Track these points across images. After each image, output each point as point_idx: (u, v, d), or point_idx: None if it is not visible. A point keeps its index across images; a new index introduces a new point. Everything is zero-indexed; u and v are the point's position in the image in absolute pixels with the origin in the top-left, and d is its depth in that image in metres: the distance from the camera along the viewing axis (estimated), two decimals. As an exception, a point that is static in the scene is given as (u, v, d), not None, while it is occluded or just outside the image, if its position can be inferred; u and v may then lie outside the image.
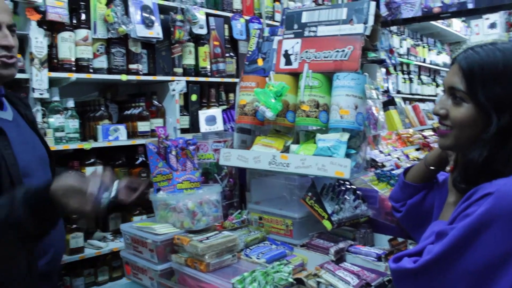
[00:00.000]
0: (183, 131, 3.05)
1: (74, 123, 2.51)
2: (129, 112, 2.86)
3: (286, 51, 1.81)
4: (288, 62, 1.80)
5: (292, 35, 1.83)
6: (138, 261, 1.65)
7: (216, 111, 1.99)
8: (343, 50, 1.66)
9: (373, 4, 1.67)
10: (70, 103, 2.52)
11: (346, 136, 1.60)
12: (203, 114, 1.97)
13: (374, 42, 1.77)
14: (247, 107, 1.83)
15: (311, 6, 1.97)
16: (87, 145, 2.54)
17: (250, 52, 2.00)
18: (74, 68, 2.48)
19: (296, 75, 1.77)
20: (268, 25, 3.55)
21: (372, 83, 1.68)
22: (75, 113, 2.54)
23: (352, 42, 1.66)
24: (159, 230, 1.61)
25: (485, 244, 0.98)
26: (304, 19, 1.81)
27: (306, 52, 1.75)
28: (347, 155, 1.57)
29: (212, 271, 1.47)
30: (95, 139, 2.65)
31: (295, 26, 1.83)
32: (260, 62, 1.95)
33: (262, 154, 1.72)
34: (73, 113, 2.52)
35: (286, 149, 1.74)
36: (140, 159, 2.82)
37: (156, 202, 1.71)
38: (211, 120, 1.96)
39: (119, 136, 2.69)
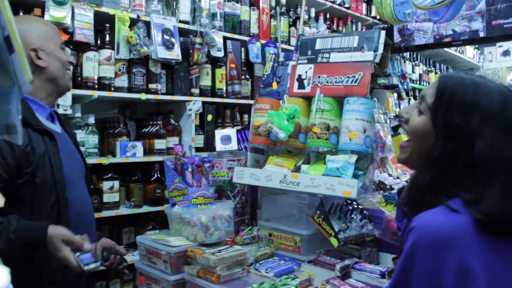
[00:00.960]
0: (198, 149, 3.14)
1: (94, 139, 2.62)
2: (146, 129, 2.97)
3: (299, 75, 1.90)
4: (301, 86, 1.89)
5: (306, 61, 1.92)
6: (151, 272, 1.72)
7: (231, 131, 2.08)
8: (354, 76, 1.75)
9: (383, 33, 1.76)
10: (91, 120, 2.63)
11: (354, 157, 1.67)
12: (218, 133, 2.07)
13: (384, 69, 1.86)
14: (261, 128, 1.92)
15: (324, 33, 2.06)
16: (106, 160, 2.65)
17: (265, 76, 2.10)
18: (96, 86, 2.60)
19: (308, 98, 1.86)
20: (283, 49, 3.66)
21: (380, 107, 1.76)
22: (95, 129, 2.65)
23: (362, 68, 1.75)
24: (173, 242, 1.69)
25: (417, 275, 1.00)
26: (317, 46, 1.91)
27: (319, 77, 1.84)
28: (355, 176, 1.65)
29: (223, 283, 1.54)
30: (113, 155, 2.75)
31: (309, 52, 1.93)
32: (274, 86, 2.05)
33: (274, 173, 1.81)
34: (93, 129, 2.63)
35: (297, 169, 1.82)
36: (155, 176, 2.91)
37: (171, 215, 1.80)
38: (226, 139, 2.05)
39: (136, 152, 2.79)
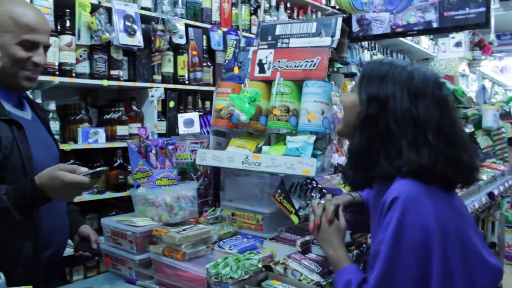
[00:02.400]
0: (160, 136, 3.16)
1: (55, 125, 2.60)
2: (108, 116, 2.97)
3: (260, 60, 1.96)
4: (262, 71, 1.95)
5: (266, 46, 1.98)
6: (117, 253, 1.75)
7: (193, 115, 2.12)
8: (312, 61, 1.83)
9: (339, 20, 1.85)
10: (52, 106, 2.61)
11: (312, 138, 1.75)
12: (181, 117, 2.10)
13: (341, 54, 1.94)
14: (223, 111, 1.97)
15: (284, 20, 2.13)
16: (67, 147, 2.64)
17: (227, 61, 2.15)
18: (57, 72, 2.58)
19: (269, 82, 1.92)
20: (244, 37, 3.71)
21: (337, 91, 1.84)
22: (56, 116, 2.63)
23: (320, 53, 1.82)
24: (139, 223, 1.72)
25: (409, 242, 1.15)
26: (277, 32, 1.97)
27: (279, 61, 1.91)
28: (314, 156, 1.73)
29: (188, 260, 1.59)
30: (75, 141, 2.74)
31: (269, 38, 1.99)
32: (236, 70, 2.10)
33: (236, 154, 1.86)
34: (54, 115, 2.61)
35: (258, 150, 1.88)
36: (118, 162, 2.92)
37: (136, 197, 1.82)
38: (189, 123, 2.09)
39: (98, 139, 2.79)
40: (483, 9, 4.10)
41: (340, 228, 1.46)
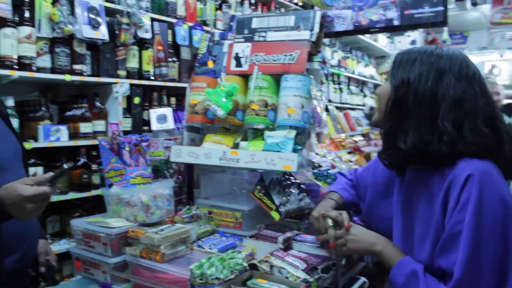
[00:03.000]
0: (125, 133, 3.05)
1: (14, 123, 2.44)
2: (71, 113, 2.83)
3: (237, 54, 1.91)
4: (239, 64, 1.90)
5: (243, 39, 1.94)
6: (90, 256, 1.66)
7: (167, 110, 2.05)
8: (291, 54, 1.80)
9: (318, 13, 1.82)
10: (10, 102, 2.46)
11: (293, 133, 1.72)
12: (154, 112, 2.02)
13: (318, 48, 1.92)
14: (198, 106, 1.91)
15: (259, 14, 2.08)
16: (28, 145, 2.49)
17: (200, 55, 2.08)
18: (16, 66, 2.43)
19: (245, 76, 1.88)
20: (208, 32, 3.64)
21: (316, 85, 1.82)
22: (15, 112, 2.48)
23: (299, 47, 1.79)
24: (113, 224, 1.64)
25: (490, 219, 1.13)
26: (254, 25, 1.93)
27: (256, 55, 1.87)
28: (294, 151, 1.70)
29: (167, 261, 1.52)
30: (35, 140, 2.59)
31: (246, 31, 1.94)
32: (210, 64, 2.04)
33: (213, 151, 1.81)
34: (12, 112, 2.46)
35: (235, 146, 1.84)
36: (82, 161, 2.79)
37: (109, 197, 1.74)
38: (162, 118, 2.02)
39: (60, 136, 2.65)
40: (441, 8, 4.22)
41: (361, 227, 1.45)
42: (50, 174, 1.38)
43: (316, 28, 1.81)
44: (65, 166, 1.42)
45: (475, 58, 9.24)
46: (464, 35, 8.81)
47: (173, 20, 3.41)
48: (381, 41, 7.18)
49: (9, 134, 1.72)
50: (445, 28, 7.59)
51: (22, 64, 2.46)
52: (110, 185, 1.76)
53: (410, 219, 1.37)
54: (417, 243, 1.30)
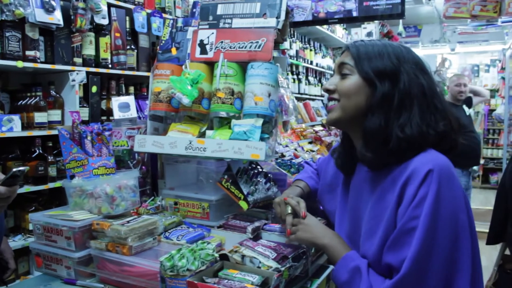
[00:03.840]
0: (83, 123, 2.93)
1: (-40, 112, 2.31)
2: (24, 102, 2.69)
3: (201, 40, 1.86)
4: (204, 52, 1.86)
5: (207, 26, 1.89)
6: (52, 251, 1.58)
7: (129, 98, 1.98)
8: (257, 42, 1.77)
9: (285, 0, 1.80)
10: (-44, 90, 2.31)
11: (260, 121, 1.70)
12: (116, 100, 1.95)
13: (284, 36, 1.91)
14: (162, 95, 1.85)
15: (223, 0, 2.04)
16: (-23, 136, 2.35)
17: (163, 42, 2.02)
18: (-38, 52, 2.29)
19: (211, 64, 1.83)
20: (171, 19, 3.56)
21: (283, 73, 1.81)
22: (-38, 101, 2.34)
23: (265, 34, 1.77)
24: (76, 216, 1.57)
25: (445, 215, 1.12)
26: (219, 11, 1.88)
27: (222, 42, 1.83)
28: (261, 139, 1.68)
29: (135, 254, 1.48)
30: (-15, 130, 2.46)
31: (210, 18, 1.89)
32: (174, 51, 1.98)
33: (179, 140, 1.76)
34: (-41, 101, 2.32)
35: (201, 135, 1.80)
36: (37, 152, 2.67)
37: (70, 188, 1.66)
38: (125, 107, 1.95)
39: (13, 127, 2.52)
40: (398, 0, 4.32)
41: (316, 218, 1.44)
42: (2, 176, 1.31)
43: (283, 16, 1.79)
44: (14, 169, 1.35)
45: (427, 51, 9.56)
46: (418, 28, 9.07)
47: (131, 6, 3.30)
48: (338, 32, 7.27)
49: None
50: (400, 21, 7.78)
51: (-31, 49, 2.32)
52: (72, 176, 1.68)
53: (357, 216, 1.36)
54: (363, 240, 1.28)
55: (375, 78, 1.25)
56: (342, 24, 7.28)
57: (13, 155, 2.62)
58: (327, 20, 4.68)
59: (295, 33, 6.10)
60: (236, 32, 1.83)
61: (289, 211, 1.48)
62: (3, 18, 2.43)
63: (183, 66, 1.83)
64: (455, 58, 9.93)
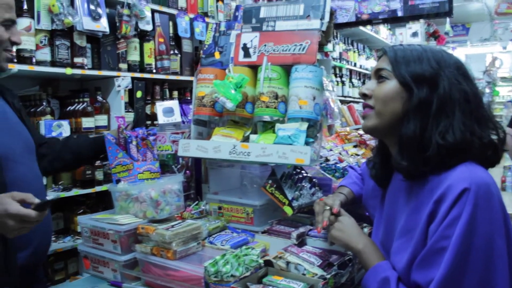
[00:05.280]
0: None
1: (14, 118, 2.39)
2: (72, 108, 2.77)
3: (244, 44, 1.85)
4: (247, 55, 1.84)
5: (250, 29, 1.88)
6: (98, 254, 1.61)
7: (173, 103, 1.99)
8: (301, 44, 1.74)
9: (328, 1, 1.77)
10: (10, 97, 2.39)
11: (305, 125, 1.67)
12: (160, 105, 1.97)
13: (328, 38, 1.87)
14: (206, 99, 1.85)
15: (266, 3, 2.02)
16: (29, 141, 2.43)
17: (206, 46, 2.02)
18: (15, 60, 2.37)
19: (254, 67, 1.82)
20: (215, 23, 3.59)
21: (327, 76, 1.77)
22: (15, 107, 2.42)
23: (309, 36, 1.74)
24: (122, 220, 1.59)
25: (479, 238, 1.04)
26: (262, 14, 1.87)
27: (265, 45, 1.81)
28: (306, 144, 1.65)
29: (179, 258, 1.48)
30: (37, 135, 2.53)
31: (253, 21, 1.88)
32: (217, 55, 1.98)
33: (222, 144, 1.75)
34: (13, 107, 2.40)
35: (245, 139, 1.78)
36: (85, 156, 2.73)
37: (116, 193, 1.69)
38: (169, 111, 1.96)
39: (62, 132, 2.59)
40: (446, -2, 4.18)
41: (352, 219, 1.40)
42: (37, 200, 1.35)
43: (327, 17, 1.75)
44: (48, 199, 1.40)
45: (476, 50, 9.21)
46: (466, 26, 8.76)
47: (174, 12, 3.34)
48: (382, 33, 7.13)
49: (21, 128, 1.71)
50: (448, 20, 7.54)
51: (22, 57, 2.40)
52: (118, 181, 1.71)
53: (391, 226, 1.31)
54: (394, 253, 1.24)
55: (413, 82, 1.19)
56: (386, 25, 7.14)
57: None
58: (371, 20, 4.60)
59: (338, 35, 6.02)
60: (279, 34, 1.81)
61: (327, 208, 1.47)
62: (53, 28, 2.50)
63: (227, 70, 1.82)
64: (507, 57, 9.52)
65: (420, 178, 1.19)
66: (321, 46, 1.87)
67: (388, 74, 1.25)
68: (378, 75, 1.28)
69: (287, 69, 1.77)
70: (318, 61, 1.82)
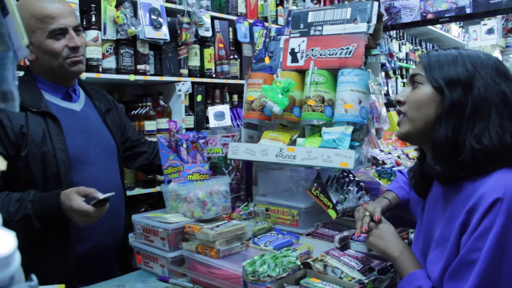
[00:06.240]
0: (188, 130, 3.12)
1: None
2: (136, 112, 2.93)
3: (292, 49, 1.88)
4: (295, 60, 1.87)
5: (298, 34, 1.90)
6: (149, 250, 1.71)
7: (224, 107, 2.06)
8: (348, 48, 1.74)
9: (376, 4, 1.75)
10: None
11: (350, 129, 1.66)
12: (212, 110, 2.04)
13: (377, 41, 1.85)
14: (255, 103, 1.90)
15: (315, 7, 2.04)
16: (96, 143, 2.61)
17: (257, 51, 2.07)
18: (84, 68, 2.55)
19: (302, 72, 1.84)
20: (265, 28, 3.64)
21: (375, 79, 1.75)
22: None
23: (356, 40, 1.73)
24: (170, 219, 1.68)
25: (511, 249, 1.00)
26: (310, 19, 1.89)
27: (312, 50, 1.82)
28: (351, 147, 1.64)
29: (222, 257, 1.54)
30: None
31: (301, 26, 1.90)
32: (267, 61, 2.02)
33: (269, 147, 1.79)
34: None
35: (292, 143, 1.81)
36: (147, 157, 2.88)
37: (167, 193, 1.78)
38: (220, 115, 2.03)
39: (127, 134, 2.75)
40: (524, -11, 3.94)
41: (391, 227, 1.39)
42: (100, 195, 1.53)
43: (374, 20, 1.74)
44: (107, 195, 1.53)
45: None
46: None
47: (234, 18, 3.43)
48: (454, 31, 6.83)
49: (102, 130, 1.87)
50: (528, 13, 7.06)
51: (90, 66, 2.58)
52: (169, 182, 1.80)
53: (429, 234, 1.27)
54: (430, 262, 1.20)
55: (445, 86, 1.16)
56: (458, 22, 6.83)
57: (126, 160, 2.86)
58: (437, 19, 4.43)
59: (405, 35, 5.86)
60: (326, 39, 1.82)
61: (367, 214, 1.46)
62: (118, 37, 2.68)
63: (275, 75, 1.86)
64: None
65: (455, 184, 1.16)
66: (369, 49, 1.86)
67: (421, 80, 1.23)
68: (413, 81, 1.27)
69: (334, 73, 1.77)
70: (366, 64, 1.81)
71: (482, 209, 1.03)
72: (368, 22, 1.75)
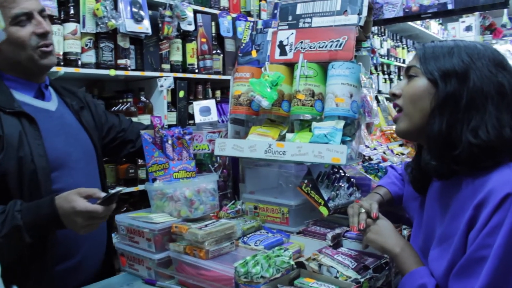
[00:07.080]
0: (170, 127, 3.04)
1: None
2: (116, 108, 2.84)
3: (281, 42, 1.83)
4: (283, 53, 1.82)
5: (287, 27, 1.85)
6: (134, 252, 1.63)
7: (210, 102, 1.99)
8: (338, 40, 1.69)
9: (367, -5, 1.71)
10: (58, 98, 2.48)
11: (341, 123, 1.62)
12: (197, 105, 1.97)
13: (367, 33, 1.81)
14: (242, 98, 1.84)
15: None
16: (75, 140, 2.51)
17: (243, 44, 2.01)
18: (62, 63, 2.45)
19: (290, 65, 1.79)
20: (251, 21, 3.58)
21: (365, 72, 1.71)
22: (63, 108, 2.51)
23: (346, 32, 1.69)
24: (156, 219, 1.60)
25: None
26: (298, 11, 1.84)
27: (301, 42, 1.77)
28: (343, 142, 1.60)
29: (212, 258, 1.47)
30: (83, 135, 2.62)
31: (290, 18, 1.85)
32: (254, 54, 1.97)
33: (258, 143, 1.73)
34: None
35: (281, 138, 1.76)
36: (128, 155, 2.79)
37: (152, 191, 1.70)
38: (206, 111, 1.97)
39: (107, 131, 2.66)
40: (501, -12, 3.96)
41: (390, 223, 1.35)
42: (103, 194, 1.38)
43: (364, 12, 1.69)
44: (113, 191, 1.39)
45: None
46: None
47: (216, 12, 3.36)
48: (433, 28, 6.87)
49: (80, 132, 1.71)
50: (505, 11, 7.15)
51: (68, 60, 2.48)
52: (154, 180, 1.72)
53: (430, 231, 1.25)
54: (432, 259, 1.18)
55: (440, 78, 1.13)
56: (437, 19, 6.87)
57: (106, 158, 2.76)
58: (419, 15, 4.44)
59: (386, 31, 5.86)
60: (316, 31, 1.77)
61: (363, 210, 1.41)
62: (98, 31, 2.57)
63: (263, 69, 1.80)
64: None
65: (456, 180, 1.12)
66: (360, 42, 1.82)
67: (417, 72, 1.20)
68: (408, 74, 1.24)
69: (324, 66, 1.73)
70: (357, 58, 1.77)
71: (492, 204, 1.00)
72: (358, 14, 1.70)
